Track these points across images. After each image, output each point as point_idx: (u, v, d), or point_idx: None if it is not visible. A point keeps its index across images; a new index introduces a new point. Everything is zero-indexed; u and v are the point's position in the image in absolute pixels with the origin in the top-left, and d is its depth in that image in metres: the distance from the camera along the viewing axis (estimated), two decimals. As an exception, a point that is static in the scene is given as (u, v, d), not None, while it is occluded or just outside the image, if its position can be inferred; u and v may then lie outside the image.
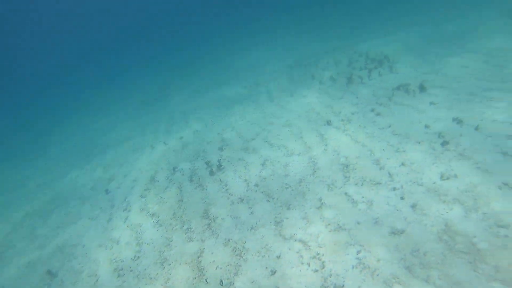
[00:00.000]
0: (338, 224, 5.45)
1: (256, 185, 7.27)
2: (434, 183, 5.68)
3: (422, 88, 9.17)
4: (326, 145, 7.93)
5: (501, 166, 5.52)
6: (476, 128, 6.68)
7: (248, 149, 8.96)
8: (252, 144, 9.17)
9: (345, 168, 6.84)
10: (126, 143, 13.58)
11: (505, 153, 5.77)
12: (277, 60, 19.26)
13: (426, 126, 7.37)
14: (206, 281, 5.28)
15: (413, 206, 5.33)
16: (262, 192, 6.95)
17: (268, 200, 6.63)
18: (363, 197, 5.86)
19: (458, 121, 7.17)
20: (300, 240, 5.40)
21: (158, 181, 8.94)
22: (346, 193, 6.10)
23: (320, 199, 6.15)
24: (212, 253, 5.78)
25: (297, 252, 5.19)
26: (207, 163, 8.73)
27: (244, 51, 25.26)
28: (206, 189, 7.77)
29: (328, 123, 8.90)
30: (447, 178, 5.67)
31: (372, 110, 8.86)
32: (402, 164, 6.39)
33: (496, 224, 4.54)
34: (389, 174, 6.23)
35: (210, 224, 6.55)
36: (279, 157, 8.06)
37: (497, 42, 11.11)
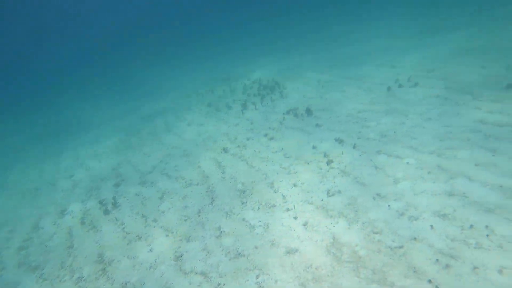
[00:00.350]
0: (237, 251, 5.53)
1: (155, 220, 7.01)
2: (322, 200, 6.17)
3: (309, 112, 10.00)
4: (223, 172, 8.08)
5: (374, 179, 6.27)
6: (354, 147, 7.50)
7: (145, 183, 8.64)
8: (149, 178, 8.87)
9: (242, 194, 7.04)
10: (2, 186, 11.96)
11: (377, 167, 6.58)
12: (179, 88, 19.18)
13: (314, 147, 8.02)
14: (102, 334, 4.85)
15: (305, 224, 5.70)
16: (160, 227, 6.72)
17: (167, 235, 6.43)
18: (259, 221, 6.08)
19: (340, 141, 7.96)
20: (201, 273, 5.33)
21: (42, 228, 8.03)
22: (243, 219, 6.26)
23: (219, 228, 6.19)
24: (108, 301, 5.36)
25: (198, 286, 5.10)
26: (101, 201, 8.17)
27: (152, 78, 24.64)
28: (101, 231, 7.23)
29: (225, 150, 9.11)
30: (333, 194, 6.22)
31: (266, 135, 9.34)
32: (294, 185, 6.82)
33: (372, 231, 5.10)
34: (283, 196, 6.59)
35: (105, 268, 6.07)
36: (177, 189, 7.93)
37: (365, 70, 12.77)
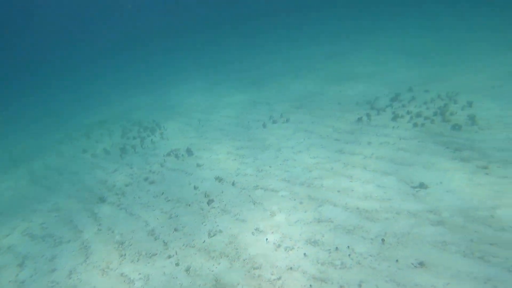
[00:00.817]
0: (114, 312, 5.06)
1: (12, 293, 6.00)
2: (204, 242, 6.11)
3: (189, 152, 10.01)
4: (100, 224, 7.44)
5: (252, 214, 6.50)
6: (233, 184, 7.72)
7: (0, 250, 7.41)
8: (6, 242, 7.63)
9: (120, 246, 6.54)
10: None
11: (254, 202, 6.86)
12: (50, 133, 17.31)
13: (195, 188, 7.99)
14: None
15: (187, 269, 5.53)
16: (20, 300, 5.78)
17: (29, 308, 5.56)
18: (139, 274, 5.69)
19: (220, 179, 8.11)
20: None
21: None
22: (122, 274, 5.78)
23: (94, 289, 5.61)
24: None
25: None
26: None
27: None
28: None
29: (102, 200, 8.44)
30: (214, 235, 6.22)
31: (146, 179, 8.99)
32: (175, 229, 6.63)
33: (252, 267, 5.22)
34: (164, 242, 6.33)
35: None
36: (43, 251, 6.98)
37: (244, 108, 13.50)
